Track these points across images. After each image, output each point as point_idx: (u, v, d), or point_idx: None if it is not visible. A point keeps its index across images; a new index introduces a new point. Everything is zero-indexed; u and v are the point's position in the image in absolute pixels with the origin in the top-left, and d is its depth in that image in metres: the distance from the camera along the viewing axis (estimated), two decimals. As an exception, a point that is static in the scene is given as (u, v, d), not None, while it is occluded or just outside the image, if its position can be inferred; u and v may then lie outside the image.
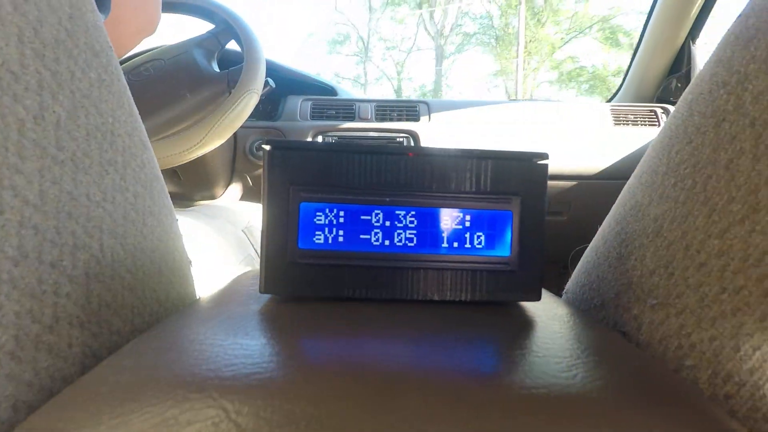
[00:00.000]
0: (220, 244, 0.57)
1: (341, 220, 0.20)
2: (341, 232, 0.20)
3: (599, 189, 1.02)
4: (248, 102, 0.77)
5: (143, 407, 0.12)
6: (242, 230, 0.65)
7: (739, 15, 0.19)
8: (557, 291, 0.30)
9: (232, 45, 0.88)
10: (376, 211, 0.20)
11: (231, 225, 0.63)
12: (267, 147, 0.19)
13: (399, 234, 0.20)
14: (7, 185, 0.17)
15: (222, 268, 0.53)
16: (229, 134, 0.77)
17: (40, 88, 0.18)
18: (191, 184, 1.00)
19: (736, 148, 0.17)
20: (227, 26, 0.82)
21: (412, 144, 1.01)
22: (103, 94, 0.22)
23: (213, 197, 1.03)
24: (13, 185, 0.17)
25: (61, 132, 0.19)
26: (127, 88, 0.26)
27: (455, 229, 0.20)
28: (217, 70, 0.83)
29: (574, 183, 1.03)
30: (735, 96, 0.18)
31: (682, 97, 0.22)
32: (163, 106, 0.77)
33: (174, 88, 0.78)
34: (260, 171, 1.00)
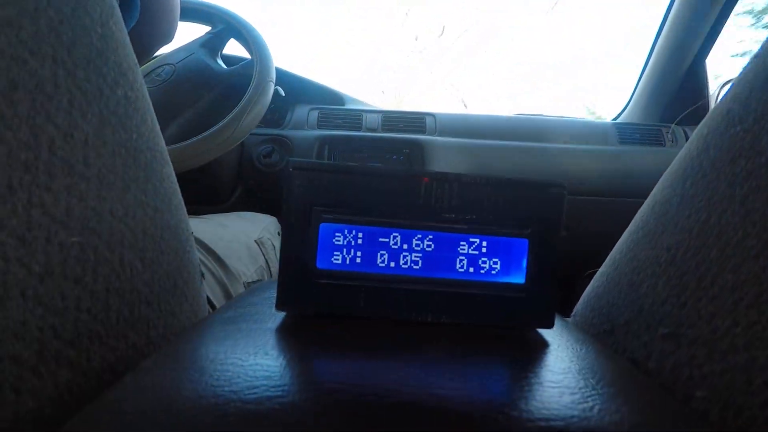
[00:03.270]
0: (234, 254, 0.57)
1: (359, 241, 0.20)
2: (359, 253, 0.20)
3: (603, 206, 1.02)
4: (268, 91, 0.80)
5: (166, 430, 0.12)
6: (255, 240, 0.65)
7: (756, 54, 0.20)
8: (562, 310, 0.31)
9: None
10: (394, 234, 0.20)
11: (244, 235, 0.64)
12: (290, 168, 0.20)
13: (416, 257, 0.20)
14: (37, 203, 0.17)
15: (236, 279, 0.54)
16: (254, 126, 0.79)
17: (71, 106, 0.19)
18: (197, 190, 1.01)
19: (752, 186, 0.17)
20: (227, 25, 0.85)
21: (418, 155, 1.02)
22: (129, 111, 0.23)
23: (219, 203, 1.04)
24: (42, 203, 0.17)
25: (88, 149, 0.20)
26: (150, 103, 0.26)
27: (471, 255, 0.20)
28: (225, 68, 0.86)
29: (579, 200, 1.03)
30: (751, 134, 0.18)
31: (697, 129, 0.23)
32: (187, 107, 0.79)
33: (192, 89, 0.81)
34: (268, 178, 1.01)
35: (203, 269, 0.52)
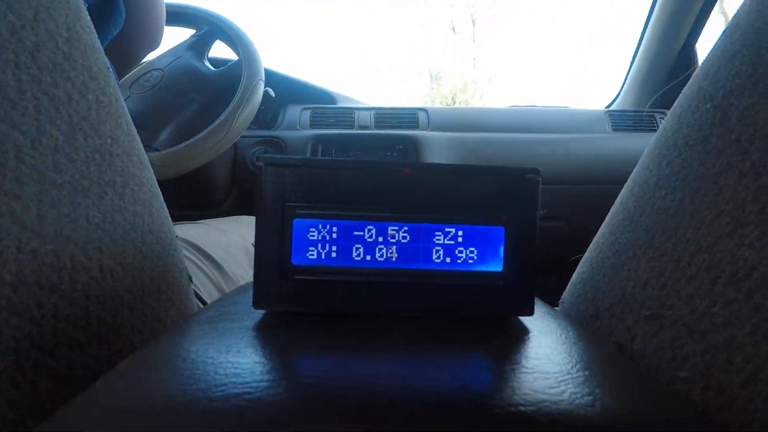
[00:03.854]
0: (232, 258, 0.57)
1: (334, 235, 0.20)
2: (334, 248, 0.20)
3: (598, 194, 1.02)
4: (258, 90, 0.80)
5: (135, 430, 0.12)
6: (252, 244, 0.65)
7: (724, 30, 0.20)
8: (556, 299, 0.30)
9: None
10: (369, 227, 0.20)
11: (242, 239, 0.64)
12: (263, 164, 0.20)
13: (391, 249, 0.20)
14: (5, 212, 0.17)
15: (234, 283, 0.54)
16: (246, 125, 0.79)
17: (38, 113, 0.19)
18: (192, 194, 1.01)
19: (723, 163, 0.17)
20: (212, 27, 0.85)
21: (412, 150, 1.02)
22: (101, 116, 0.23)
23: (214, 207, 1.04)
24: (11, 211, 0.17)
25: (59, 156, 0.20)
26: (125, 108, 0.26)
27: (447, 245, 0.20)
28: (213, 69, 0.86)
29: (574, 188, 1.03)
30: (721, 111, 0.18)
31: (672, 109, 0.23)
32: (178, 111, 0.79)
33: (181, 92, 0.81)
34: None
35: (201, 274, 0.52)
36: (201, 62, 0.86)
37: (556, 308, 0.28)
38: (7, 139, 0.17)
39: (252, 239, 0.67)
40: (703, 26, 1.15)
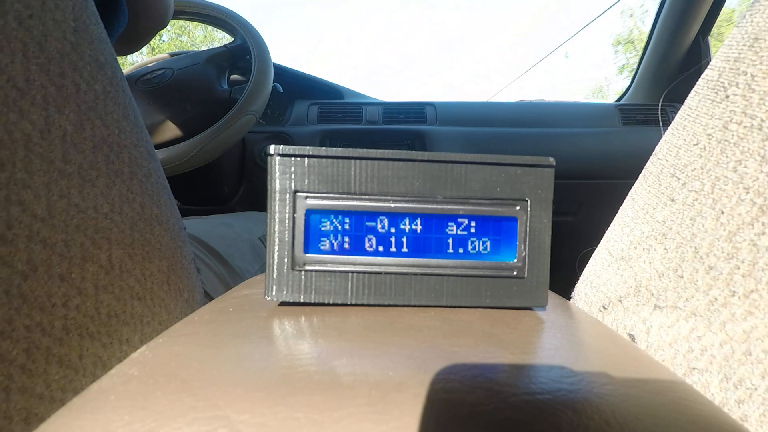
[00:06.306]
0: (237, 252, 0.57)
1: (346, 226, 0.20)
2: (346, 239, 0.20)
3: (608, 189, 1.01)
4: (244, 124, 0.76)
5: (152, 416, 0.12)
6: (259, 238, 0.65)
7: (743, 15, 0.19)
8: (567, 292, 0.30)
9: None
10: (381, 218, 0.20)
11: (248, 233, 0.64)
12: (272, 154, 0.19)
13: (404, 240, 0.20)
14: (15, 200, 0.17)
15: (239, 277, 0.54)
16: (217, 154, 0.76)
17: (46, 102, 0.19)
18: (201, 189, 1.01)
19: (744, 150, 0.17)
20: (244, 43, 0.81)
21: (420, 145, 1.01)
22: (108, 106, 0.22)
23: (223, 203, 1.04)
24: (20, 200, 0.17)
25: (67, 145, 0.19)
26: (132, 98, 0.26)
27: (460, 235, 0.20)
28: (225, 87, 0.83)
29: (583, 183, 1.02)
30: (742, 97, 0.17)
31: (687, 100, 0.22)
32: (161, 116, 0.76)
33: (176, 100, 0.78)
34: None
35: (205, 268, 0.52)
36: (216, 77, 0.83)
37: (569, 300, 0.28)
38: (17, 129, 0.17)
39: (258, 233, 0.67)
40: (716, 19, 1.13)
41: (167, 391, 0.12)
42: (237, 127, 0.75)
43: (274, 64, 0.81)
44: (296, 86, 1.13)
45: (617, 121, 1.07)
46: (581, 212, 1.05)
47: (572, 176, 1.01)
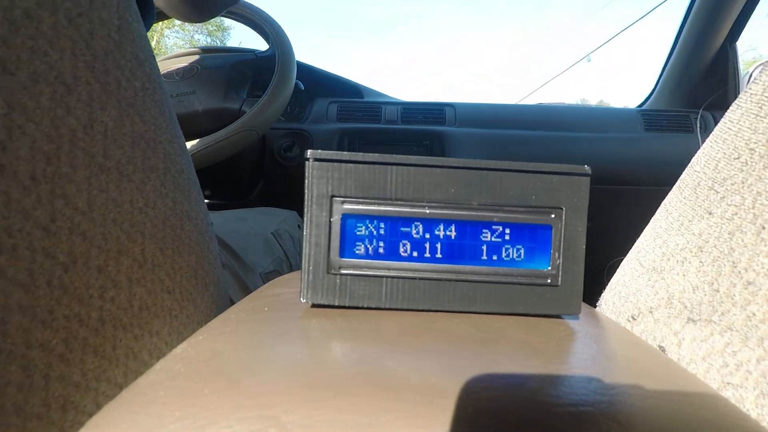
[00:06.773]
0: (250, 246, 0.58)
1: (381, 231, 0.20)
2: (381, 244, 0.20)
3: (629, 195, 1.00)
4: (243, 139, 0.75)
5: (201, 412, 0.12)
6: (272, 233, 0.66)
7: None
8: (587, 298, 0.30)
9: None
10: (416, 223, 0.20)
11: (261, 228, 0.64)
12: (309, 158, 0.20)
13: (438, 246, 0.20)
14: (59, 194, 0.17)
15: (251, 271, 0.54)
16: (207, 164, 0.74)
17: (90, 98, 0.19)
18: (219, 185, 1.02)
19: None
20: (273, 55, 0.79)
21: (438, 146, 1.01)
22: (146, 103, 0.23)
23: (240, 198, 1.05)
24: (64, 194, 0.18)
25: (108, 141, 0.20)
26: (167, 94, 0.26)
27: (495, 242, 0.20)
28: (243, 96, 0.82)
29: (602, 188, 1.01)
30: None
31: (727, 113, 0.22)
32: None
33: (188, 98, 0.78)
34: (288, 172, 1.01)
35: None
36: (238, 84, 0.82)
37: (595, 308, 0.28)
38: (63, 124, 0.17)
39: (271, 228, 0.67)
40: (744, 26, 1.10)
41: (214, 389, 0.13)
42: (233, 140, 0.74)
43: (297, 62, 0.81)
44: (317, 84, 1.13)
45: (639, 127, 1.05)
46: (599, 217, 1.04)
47: (592, 181, 1.00)
